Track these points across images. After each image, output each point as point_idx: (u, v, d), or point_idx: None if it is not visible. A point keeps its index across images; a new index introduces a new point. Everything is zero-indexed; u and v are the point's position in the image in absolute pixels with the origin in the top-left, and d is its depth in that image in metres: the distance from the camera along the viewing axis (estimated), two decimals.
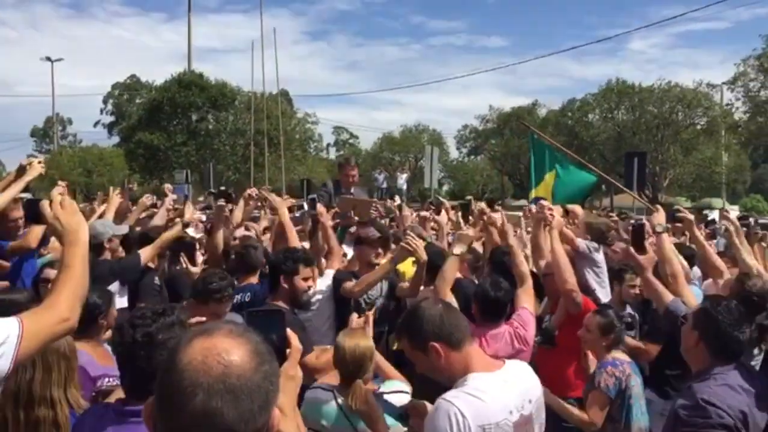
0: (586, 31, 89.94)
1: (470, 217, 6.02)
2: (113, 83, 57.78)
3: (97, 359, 3.30)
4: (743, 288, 3.75)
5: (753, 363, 3.60)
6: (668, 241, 4.11)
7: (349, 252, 5.50)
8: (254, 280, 4.67)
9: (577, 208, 5.96)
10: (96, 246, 4.92)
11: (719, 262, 4.81)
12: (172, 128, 33.68)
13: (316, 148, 45.64)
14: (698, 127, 36.04)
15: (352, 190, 6.70)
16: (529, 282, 4.10)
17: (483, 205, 5.95)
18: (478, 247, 5.66)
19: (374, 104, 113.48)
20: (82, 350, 3.29)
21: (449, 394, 2.22)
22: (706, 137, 35.70)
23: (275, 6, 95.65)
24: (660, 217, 4.24)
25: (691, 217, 4.81)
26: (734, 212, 14.10)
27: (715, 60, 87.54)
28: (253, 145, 26.18)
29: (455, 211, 6.93)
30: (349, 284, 4.54)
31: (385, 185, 27.92)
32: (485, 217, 5.36)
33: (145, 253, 5.09)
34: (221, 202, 5.62)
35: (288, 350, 1.61)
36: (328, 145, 57.68)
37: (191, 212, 5.92)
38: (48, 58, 47.46)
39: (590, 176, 9.26)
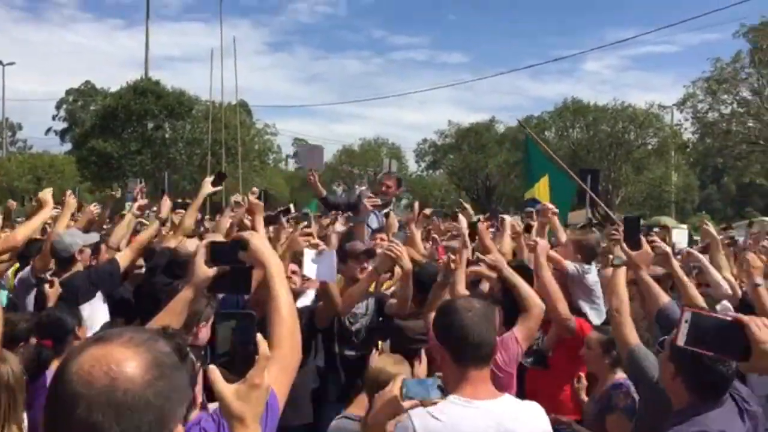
0: (544, 50, 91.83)
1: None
2: (67, 89, 56.51)
3: None
4: None
5: None
6: (623, 277, 3.47)
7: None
8: None
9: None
10: (65, 260, 4.63)
11: (700, 300, 4.10)
12: (127, 136, 32.89)
13: (275, 160, 45.30)
14: (649, 147, 36.99)
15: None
16: (534, 311, 3.52)
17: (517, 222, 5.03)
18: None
19: (334, 117, 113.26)
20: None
21: (413, 411, 2.21)
22: (656, 157, 36.68)
23: (236, 16, 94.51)
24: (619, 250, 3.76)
25: (669, 249, 4.06)
26: (684, 231, 14.28)
27: (666, 82, 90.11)
28: (211, 155, 25.79)
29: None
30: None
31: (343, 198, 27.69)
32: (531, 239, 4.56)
33: (123, 258, 4.71)
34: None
35: (256, 357, 1.50)
36: (288, 156, 57.29)
37: (168, 209, 5.68)
38: None
39: (572, 183, 9.67)
